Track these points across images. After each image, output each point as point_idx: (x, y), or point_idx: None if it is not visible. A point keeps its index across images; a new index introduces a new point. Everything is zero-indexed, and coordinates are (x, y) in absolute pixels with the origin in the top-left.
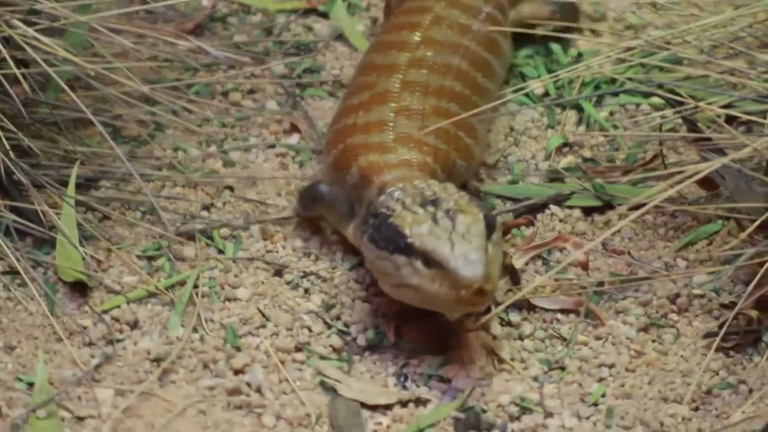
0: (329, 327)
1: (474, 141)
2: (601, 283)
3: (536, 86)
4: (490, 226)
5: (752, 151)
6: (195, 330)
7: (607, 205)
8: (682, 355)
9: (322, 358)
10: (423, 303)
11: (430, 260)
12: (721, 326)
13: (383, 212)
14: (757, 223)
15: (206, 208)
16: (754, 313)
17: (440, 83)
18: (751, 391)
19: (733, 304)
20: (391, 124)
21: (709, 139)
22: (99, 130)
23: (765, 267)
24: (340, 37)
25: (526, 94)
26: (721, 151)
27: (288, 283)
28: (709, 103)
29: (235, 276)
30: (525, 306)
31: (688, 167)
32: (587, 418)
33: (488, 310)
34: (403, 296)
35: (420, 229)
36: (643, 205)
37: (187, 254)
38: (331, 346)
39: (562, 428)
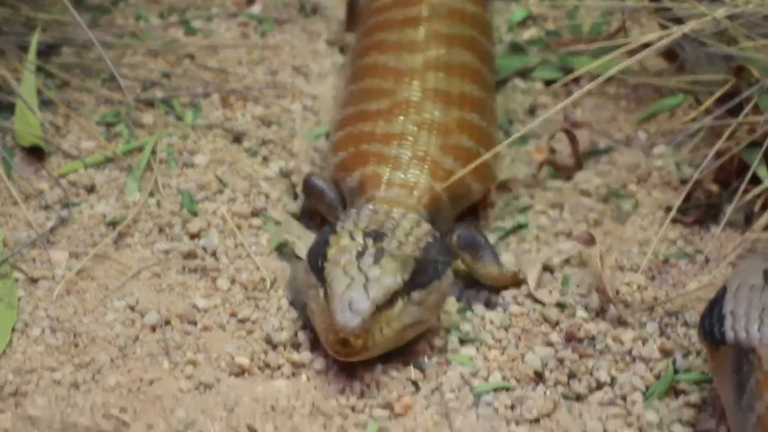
0: (286, 194)
1: (493, 157)
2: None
3: None
4: (415, 284)
5: (712, 21)
6: (151, 195)
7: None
8: (640, 225)
9: (278, 224)
10: (318, 331)
11: (326, 292)
12: (682, 198)
13: (335, 225)
14: (716, 95)
15: (166, 75)
16: (714, 187)
17: (460, 89)
18: (707, 260)
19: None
20: (411, 139)
21: (670, 9)
22: None
23: (722, 139)
24: None
25: None
26: (681, 21)
27: (246, 150)
28: None
29: (194, 143)
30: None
31: (649, 36)
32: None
33: None
34: (311, 317)
35: (340, 258)
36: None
37: (145, 121)
38: (288, 212)
39: (518, 295)
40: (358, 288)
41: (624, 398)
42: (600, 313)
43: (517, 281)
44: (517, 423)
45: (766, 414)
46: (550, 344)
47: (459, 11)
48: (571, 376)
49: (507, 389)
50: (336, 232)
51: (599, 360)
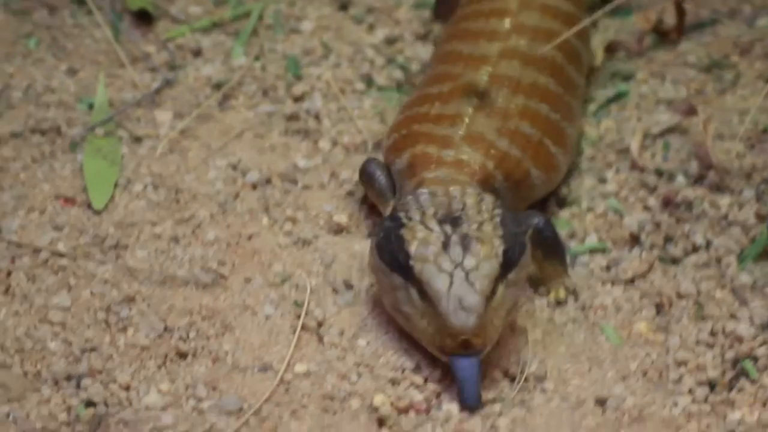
0: (390, 61)
1: (561, 150)
2: None
3: None
4: (509, 263)
5: None
6: (257, 59)
7: None
8: (741, 95)
9: (381, 89)
10: (414, 335)
11: (424, 293)
12: None
13: (400, 217)
14: None
15: None
16: None
17: (533, 79)
18: None
19: None
20: (466, 120)
21: None
22: None
23: None
24: None
25: None
26: None
27: (352, 17)
28: None
29: (300, 9)
30: None
31: None
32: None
33: None
34: (398, 319)
35: (425, 252)
36: None
37: None
38: (392, 78)
39: (617, 161)
40: (462, 283)
41: (719, 261)
42: (698, 179)
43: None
44: (613, 283)
45: None
46: (647, 209)
47: (552, 8)
48: (667, 239)
49: (603, 251)
50: (406, 225)
51: (695, 224)
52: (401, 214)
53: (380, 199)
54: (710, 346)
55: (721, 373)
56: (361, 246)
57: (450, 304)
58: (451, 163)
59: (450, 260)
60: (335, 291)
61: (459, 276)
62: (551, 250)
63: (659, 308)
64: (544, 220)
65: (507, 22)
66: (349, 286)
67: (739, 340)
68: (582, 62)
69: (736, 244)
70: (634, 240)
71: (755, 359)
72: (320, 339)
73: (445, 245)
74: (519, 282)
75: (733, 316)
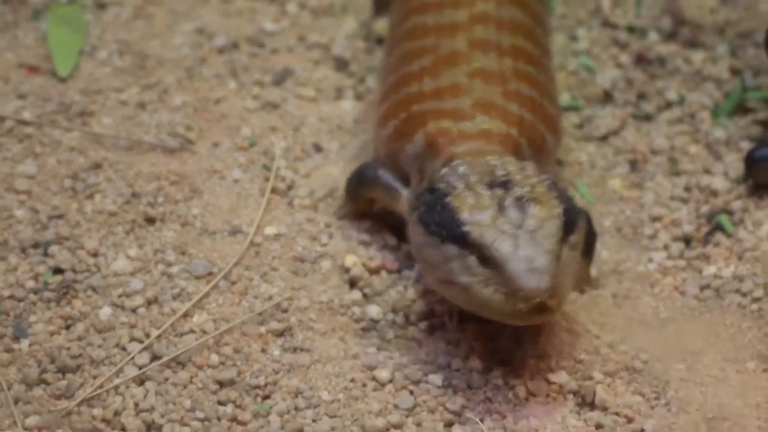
0: None
1: (557, 112)
2: None
3: None
4: (569, 224)
5: None
6: None
7: None
8: None
9: None
10: (472, 307)
11: (487, 258)
12: None
13: (441, 188)
14: None
15: None
16: None
17: (512, 42)
18: None
19: None
20: (468, 88)
21: None
22: None
23: None
24: None
25: None
26: None
27: None
28: None
29: None
30: None
31: None
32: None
33: None
34: (450, 295)
35: (480, 217)
36: None
37: None
38: None
39: (588, 19)
40: (529, 244)
41: (693, 116)
42: (671, 35)
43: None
44: (586, 140)
45: None
46: (620, 66)
47: None
48: (641, 96)
49: (576, 109)
50: (451, 194)
51: (669, 80)
52: (440, 185)
53: (390, 195)
54: (685, 201)
55: (696, 228)
56: (330, 108)
57: (520, 266)
58: (477, 135)
59: (510, 222)
60: (305, 154)
61: (524, 237)
62: (588, 245)
63: (633, 165)
64: (585, 213)
65: None
66: (318, 148)
67: (714, 194)
68: (546, 26)
69: (710, 99)
70: (607, 97)
71: (730, 213)
72: (290, 202)
73: (501, 208)
74: (578, 247)
75: (707, 171)
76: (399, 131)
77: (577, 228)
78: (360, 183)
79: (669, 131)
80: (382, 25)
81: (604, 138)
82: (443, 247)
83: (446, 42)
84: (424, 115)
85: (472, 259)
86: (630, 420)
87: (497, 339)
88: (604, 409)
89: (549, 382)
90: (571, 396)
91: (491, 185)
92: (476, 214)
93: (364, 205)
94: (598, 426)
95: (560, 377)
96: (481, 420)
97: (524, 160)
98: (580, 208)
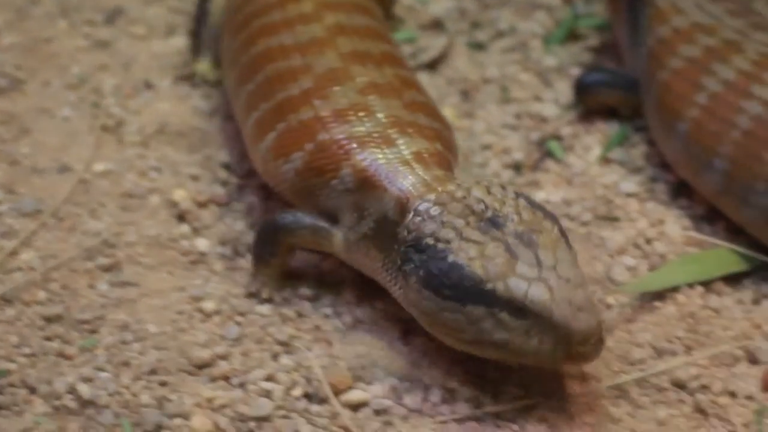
0: None
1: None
2: None
3: None
4: (565, 236)
5: None
6: None
7: None
8: None
9: None
10: (513, 359)
11: (521, 310)
12: None
13: (431, 245)
14: None
15: None
16: None
17: (379, 49)
18: None
19: None
20: (369, 107)
21: None
22: None
23: None
24: None
25: None
26: None
27: None
28: None
29: None
30: None
31: None
32: None
33: None
34: (484, 353)
35: (496, 268)
36: None
37: None
38: None
39: None
40: (559, 281)
41: (524, 45)
42: None
43: None
44: (418, 70)
45: (656, 45)
46: None
47: None
48: (474, 25)
49: (410, 40)
50: (450, 250)
51: (501, 10)
52: (428, 241)
53: (321, 236)
54: (515, 129)
55: (526, 155)
56: (161, 46)
57: (565, 311)
58: (412, 161)
59: (528, 265)
60: (135, 91)
61: (550, 276)
62: None
63: (465, 94)
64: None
65: (308, 3)
66: (149, 85)
67: (544, 121)
68: (388, 29)
69: (542, 27)
70: (440, 27)
71: (560, 139)
72: (120, 139)
73: (509, 251)
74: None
75: (538, 99)
76: (312, 166)
77: (565, 234)
78: (278, 232)
79: (501, 60)
80: (203, 66)
81: (436, 67)
82: (467, 310)
83: (317, 60)
84: (340, 144)
85: (504, 315)
86: None
87: (322, 266)
88: (432, 335)
89: (376, 309)
90: (397, 322)
91: (481, 227)
92: (490, 266)
93: (286, 255)
94: (425, 351)
95: (386, 304)
96: (308, 348)
97: (452, 172)
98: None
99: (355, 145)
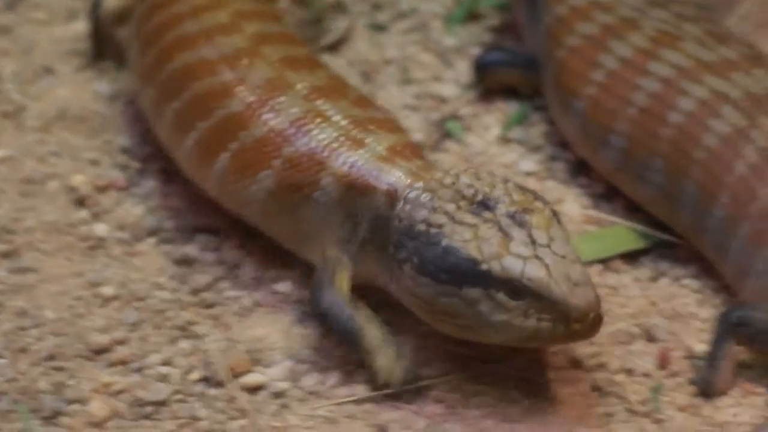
0: None
1: None
2: None
3: None
4: (557, 215)
5: None
6: None
7: None
8: None
9: None
10: (514, 342)
11: (518, 289)
12: None
13: (424, 230)
14: None
15: None
16: None
17: (303, 53)
18: None
19: None
20: (324, 113)
21: None
22: None
23: None
24: None
25: None
26: None
27: None
28: None
29: None
30: None
31: None
32: None
33: None
34: (483, 337)
35: (491, 249)
36: None
37: None
38: None
39: None
40: (554, 258)
41: (425, 25)
42: None
43: None
44: (319, 52)
45: (554, 24)
46: None
47: None
48: (375, 6)
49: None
50: (443, 234)
51: None
52: (420, 228)
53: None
54: (415, 109)
55: (426, 136)
56: (63, 31)
57: (562, 287)
58: (390, 156)
59: (523, 244)
60: (35, 76)
61: (545, 254)
62: None
63: (366, 75)
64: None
65: (223, 13)
66: (49, 71)
67: (444, 101)
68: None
69: (443, 8)
70: (341, 8)
71: (459, 119)
72: (19, 125)
73: (503, 232)
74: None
75: (438, 79)
76: (287, 183)
77: (557, 214)
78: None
79: (401, 41)
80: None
81: (337, 49)
82: (463, 293)
83: (249, 72)
84: (312, 154)
85: (501, 296)
86: None
87: (222, 250)
88: None
89: (275, 292)
90: (296, 305)
91: (473, 209)
92: (485, 246)
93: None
94: (324, 335)
95: (285, 287)
96: (207, 333)
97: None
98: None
99: (327, 153)
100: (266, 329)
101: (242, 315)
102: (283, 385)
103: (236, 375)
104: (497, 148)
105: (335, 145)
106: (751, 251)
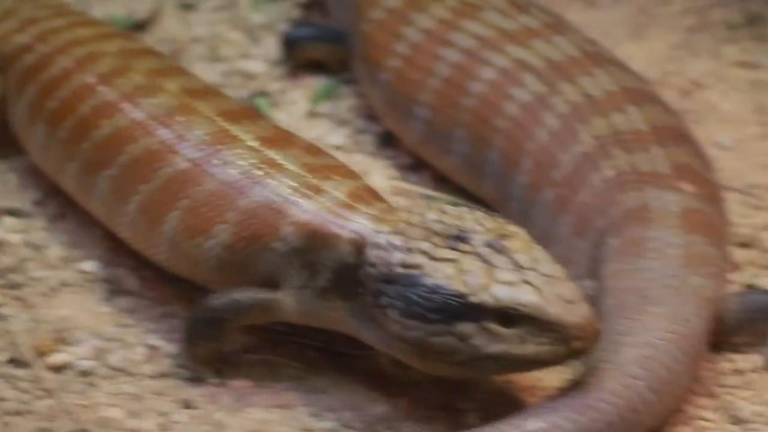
0: None
1: None
2: None
3: None
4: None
5: None
6: None
7: None
8: None
9: None
10: (513, 370)
11: (512, 317)
12: None
13: (403, 273)
14: None
15: None
16: None
17: (233, 104)
18: None
19: None
20: (275, 160)
21: None
22: None
23: None
24: None
25: None
26: None
27: None
28: None
29: None
30: None
31: None
32: None
33: None
34: (481, 371)
35: (477, 280)
36: None
37: None
38: None
39: None
40: (543, 280)
41: (234, 4)
42: None
43: None
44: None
45: (371, 31)
46: None
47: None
48: None
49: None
50: (423, 272)
51: None
52: (399, 271)
53: (268, 309)
54: (223, 87)
55: None
56: None
57: (556, 308)
58: (351, 201)
59: (507, 270)
60: None
61: (533, 277)
62: None
63: (174, 54)
64: None
65: (139, 77)
66: None
67: (252, 78)
68: None
69: None
70: None
71: (267, 95)
72: None
73: (485, 261)
74: None
75: (245, 56)
76: (244, 235)
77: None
78: (221, 321)
79: (210, 19)
80: None
81: (143, 27)
82: (455, 329)
83: (188, 129)
84: (271, 207)
85: (495, 326)
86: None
87: (29, 231)
88: (138, 294)
89: (81, 271)
90: (103, 284)
91: (448, 243)
92: (469, 278)
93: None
94: (130, 310)
95: (92, 266)
96: (13, 314)
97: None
98: None
99: (286, 202)
100: (73, 308)
101: (48, 295)
102: (90, 364)
103: (42, 354)
104: (305, 122)
105: (294, 193)
106: (553, 217)
